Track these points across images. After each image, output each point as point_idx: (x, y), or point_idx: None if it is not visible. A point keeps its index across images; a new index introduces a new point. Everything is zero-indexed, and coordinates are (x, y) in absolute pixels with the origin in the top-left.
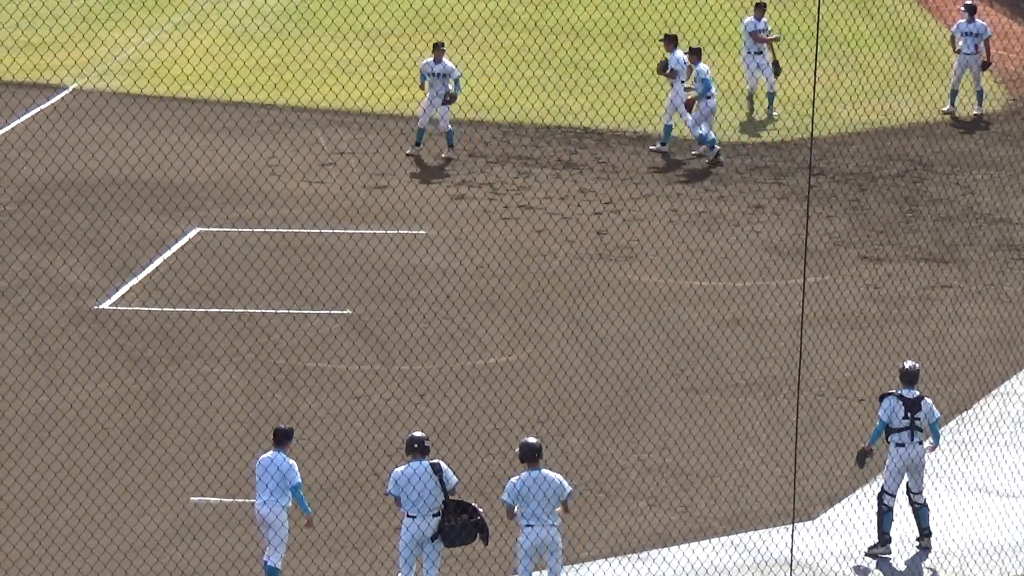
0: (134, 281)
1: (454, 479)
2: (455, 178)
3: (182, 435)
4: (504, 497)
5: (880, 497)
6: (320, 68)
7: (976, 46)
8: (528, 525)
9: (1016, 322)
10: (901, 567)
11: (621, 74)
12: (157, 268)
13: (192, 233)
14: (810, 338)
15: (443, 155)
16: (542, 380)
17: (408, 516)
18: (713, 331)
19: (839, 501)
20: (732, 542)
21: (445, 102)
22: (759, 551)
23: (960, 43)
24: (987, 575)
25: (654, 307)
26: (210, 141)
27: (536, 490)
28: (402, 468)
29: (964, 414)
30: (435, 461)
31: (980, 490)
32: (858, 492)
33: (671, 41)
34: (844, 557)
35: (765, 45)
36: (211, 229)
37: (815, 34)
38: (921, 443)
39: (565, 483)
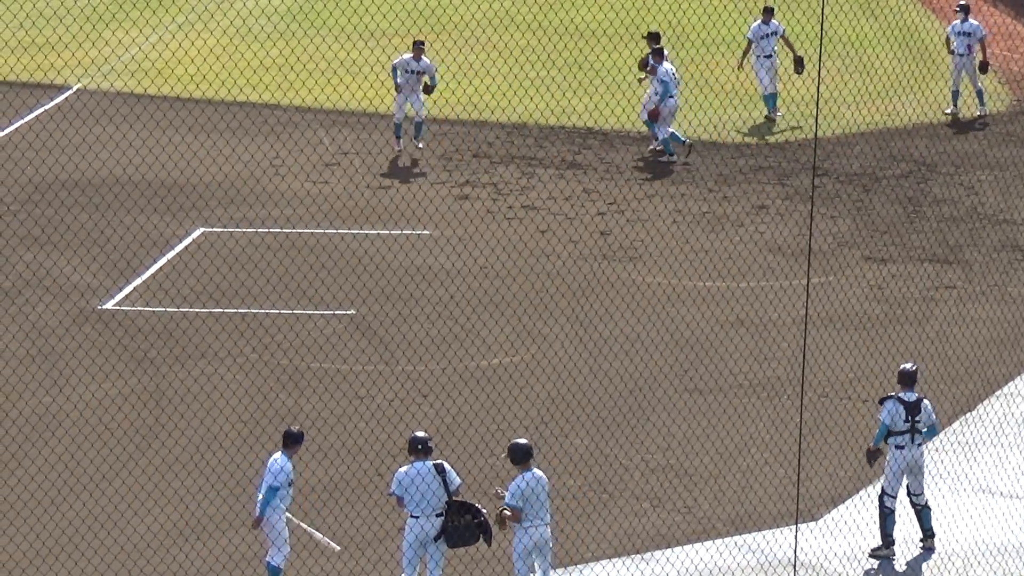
0: (138, 281)
1: (457, 480)
2: (459, 178)
3: (186, 435)
4: (511, 501)
5: (881, 499)
6: (324, 68)
7: (969, 46)
8: (528, 525)
9: (1020, 323)
10: (904, 568)
11: (625, 75)
12: (161, 268)
13: (196, 233)
14: (814, 339)
15: (418, 146)
16: (545, 380)
17: (411, 516)
18: (717, 332)
19: (843, 502)
20: (736, 543)
21: (425, 91)
22: (762, 552)
23: (954, 43)
24: None
25: (658, 308)
26: (214, 141)
27: (534, 490)
28: (405, 468)
29: (968, 415)
30: (438, 462)
31: (984, 491)
32: (861, 493)
33: (654, 39)
34: (847, 558)
35: (775, 49)
36: (215, 229)
37: (819, 35)
38: (921, 445)
39: (544, 476)
